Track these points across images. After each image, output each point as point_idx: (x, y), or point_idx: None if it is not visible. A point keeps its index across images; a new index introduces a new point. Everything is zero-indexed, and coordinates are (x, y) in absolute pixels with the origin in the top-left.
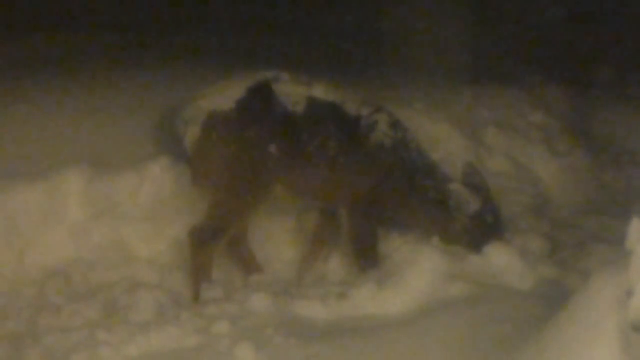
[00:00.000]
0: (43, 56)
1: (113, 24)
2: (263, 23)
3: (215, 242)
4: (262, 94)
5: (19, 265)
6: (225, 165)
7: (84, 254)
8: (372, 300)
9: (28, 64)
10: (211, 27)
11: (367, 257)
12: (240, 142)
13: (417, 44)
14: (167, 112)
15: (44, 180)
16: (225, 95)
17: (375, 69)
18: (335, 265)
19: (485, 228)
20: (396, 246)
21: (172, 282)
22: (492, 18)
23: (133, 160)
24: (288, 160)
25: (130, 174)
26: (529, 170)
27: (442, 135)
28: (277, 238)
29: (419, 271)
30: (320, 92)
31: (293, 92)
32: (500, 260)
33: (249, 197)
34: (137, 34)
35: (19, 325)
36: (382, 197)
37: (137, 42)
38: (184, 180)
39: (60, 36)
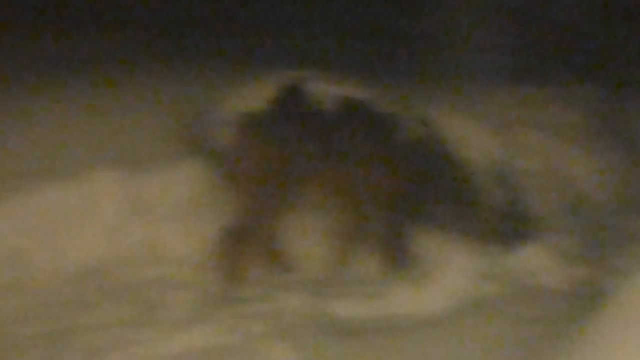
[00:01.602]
0: (79, 55)
1: (147, 23)
2: (294, 21)
3: (249, 241)
4: (293, 93)
5: (53, 263)
6: (258, 165)
7: (118, 252)
8: (408, 299)
9: (64, 63)
10: (242, 26)
11: (398, 256)
12: (273, 142)
13: (450, 43)
14: (200, 111)
15: (78, 179)
16: (258, 95)
17: (408, 67)
18: (370, 264)
19: (512, 225)
20: (430, 245)
21: (206, 280)
22: (527, 16)
23: (166, 159)
24: (320, 159)
25: (163, 173)
26: (563, 169)
27: (475, 134)
28: (311, 236)
29: (454, 270)
30: (351, 90)
31: (324, 91)
32: (535, 259)
33: (282, 196)
34: (170, 32)
35: (54, 324)
36: (413, 196)
37: (171, 41)
38: (217, 179)
39: (97, 35)
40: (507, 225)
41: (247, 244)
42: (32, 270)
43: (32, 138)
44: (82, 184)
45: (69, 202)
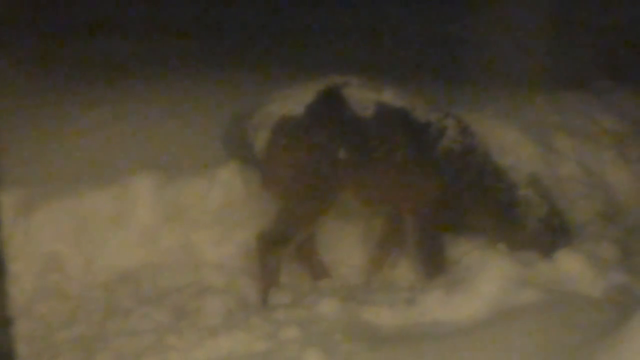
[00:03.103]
0: (117, 62)
1: (186, 30)
2: (333, 28)
3: (283, 247)
4: (331, 99)
5: (89, 268)
6: (294, 169)
7: (153, 258)
8: (441, 306)
9: (102, 69)
10: (282, 33)
11: (433, 263)
12: (309, 147)
13: (487, 50)
14: (237, 116)
15: (114, 184)
16: (295, 100)
17: (445, 74)
18: (404, 270)
19: (553, 232)
20: (464, 252)
21: (240, 286)
22: (563, 22)
23: (202, 164)
24: (356, 165)
25: (200, 179)
26: (599, 175)
27: (512, 140)
28: (344, 243)
29: (488, 277)
30: (390, 97)
31: (362, 97)
32: (570, 266)
33: (317, 202)
34: (209, 39)
35: (89, 329)
36: (450, 203)
37: (208, 47)
38: (253, 185)
39: (137, 42)
40: (544, 232)
41: (281, 250)
42: (68, 275)
43: (70, 144)
44: (119, 190)
45: (105, 208)
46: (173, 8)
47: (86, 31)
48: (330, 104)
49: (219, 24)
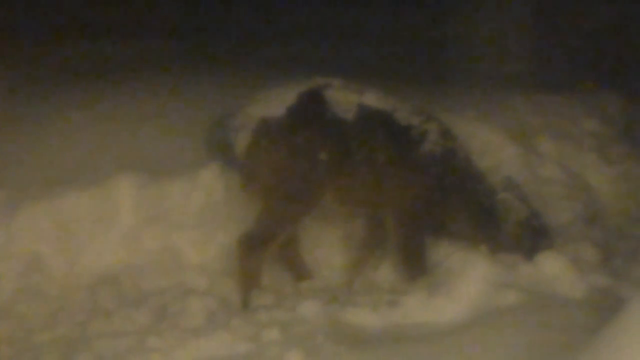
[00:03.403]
0: (101, 63)
1: (170, 31)
2: (314, 31)
3: (264, 249)
4: (312, 101)
5: (71, 270)
6: (275, 171)
7: (134, 260)
8: (423, 308)
9: (86, 71)
10: (264, 35)
11: (414, 265)
12: (290, 149)
13: (469, 52)
14: (218, 118)
15: (96, 186)
16: (276, 102)
17: (428, 76)
18: (386, 272)
19: (534, 234)
20: (446, 254)
21: (222, 288)
22: (545, 25)
23: (184, 166)
24: (337, 167)
25: (181, 181)
26: (581, 178)
27: (494, 142)
28: (326, 244)
29: (470, 279)
30: (371, 99)
31: (344, 99)
32: (551, 268)
33: (298, 204)
34: (192, 41)
35: (70, 330)
36: (431, 206)
37: (189, 49)
38: (234, 187)
39: (120, 44)
40: (526, 234)
41: (262, 252)
42: (50, 276)
43: (52, 146)
44: (101, 191)
45: (87, 209)
46: (156, 10)
47: (69, 33)
48: (311, 105)
49: (200, 26)
